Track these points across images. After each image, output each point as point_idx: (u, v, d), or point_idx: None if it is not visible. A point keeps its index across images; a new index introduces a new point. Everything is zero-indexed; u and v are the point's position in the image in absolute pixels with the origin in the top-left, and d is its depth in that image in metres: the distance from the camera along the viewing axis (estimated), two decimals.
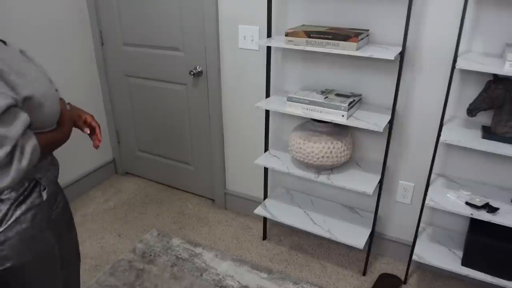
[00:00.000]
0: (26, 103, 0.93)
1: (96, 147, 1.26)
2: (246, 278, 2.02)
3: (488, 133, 1.56)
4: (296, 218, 2.05)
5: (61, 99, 1.12)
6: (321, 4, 1.83)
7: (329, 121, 1.71)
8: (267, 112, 2.05)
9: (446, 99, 1.57)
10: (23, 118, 0.91)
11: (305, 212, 2.10)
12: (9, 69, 0.90)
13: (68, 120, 1.10)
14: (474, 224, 1.72)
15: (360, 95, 1.84)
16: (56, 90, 1.07)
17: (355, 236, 1.93)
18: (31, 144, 0.93)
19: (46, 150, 1.03)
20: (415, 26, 1.67)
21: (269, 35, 1.89)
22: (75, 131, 2.71)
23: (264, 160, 2.02)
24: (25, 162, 0.91)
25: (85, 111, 1.28)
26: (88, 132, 1.26)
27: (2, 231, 0.98)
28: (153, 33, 2.38)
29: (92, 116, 1.28)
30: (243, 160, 2.41)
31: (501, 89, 1.49)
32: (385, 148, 1.79)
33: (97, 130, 1.27)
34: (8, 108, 0.88)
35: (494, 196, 1.68)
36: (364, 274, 2.06)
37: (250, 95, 2.21)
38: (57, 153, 2.82)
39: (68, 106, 1.17)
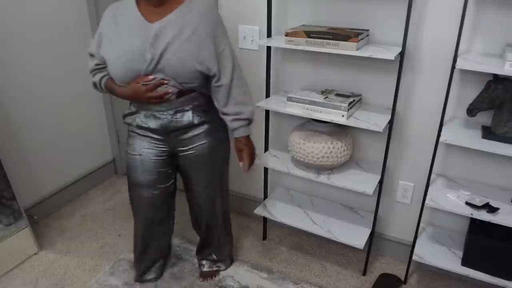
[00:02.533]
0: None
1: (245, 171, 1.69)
2: (246, 278, 2.02)
3: (488, 133, 1.56)
4: (296, 218, 2.05)
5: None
6: (321, 4, 1.83)
7: (329, 121, 1.72)
8: (267, 112, 2.05)
9: (446, 99, 1.57)
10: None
11: (305, 212, 2.10)
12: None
13: (130, 89, 1.46)
14: (474, 224, 1.72)
15: (360, 95, 1.84)
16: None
17: (355, 236, 1.93)
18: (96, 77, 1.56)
19: (107, 92, 1.59)
20: (415, 26, 1.67)
21: (269, 35, 1.89)
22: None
23: (264, 160, 2.02)
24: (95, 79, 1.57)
25: (250, 148, 1.66)
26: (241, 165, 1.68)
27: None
28: None
29: (248, 154, 1.65)
30: None
31: (501, 89, 1.49)
32: (385, 148, 1.79)
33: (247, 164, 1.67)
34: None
35: (494, 196, 1.68)
36: (364, 274, 2.06)
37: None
38: (57, 153, 2.78)
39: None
